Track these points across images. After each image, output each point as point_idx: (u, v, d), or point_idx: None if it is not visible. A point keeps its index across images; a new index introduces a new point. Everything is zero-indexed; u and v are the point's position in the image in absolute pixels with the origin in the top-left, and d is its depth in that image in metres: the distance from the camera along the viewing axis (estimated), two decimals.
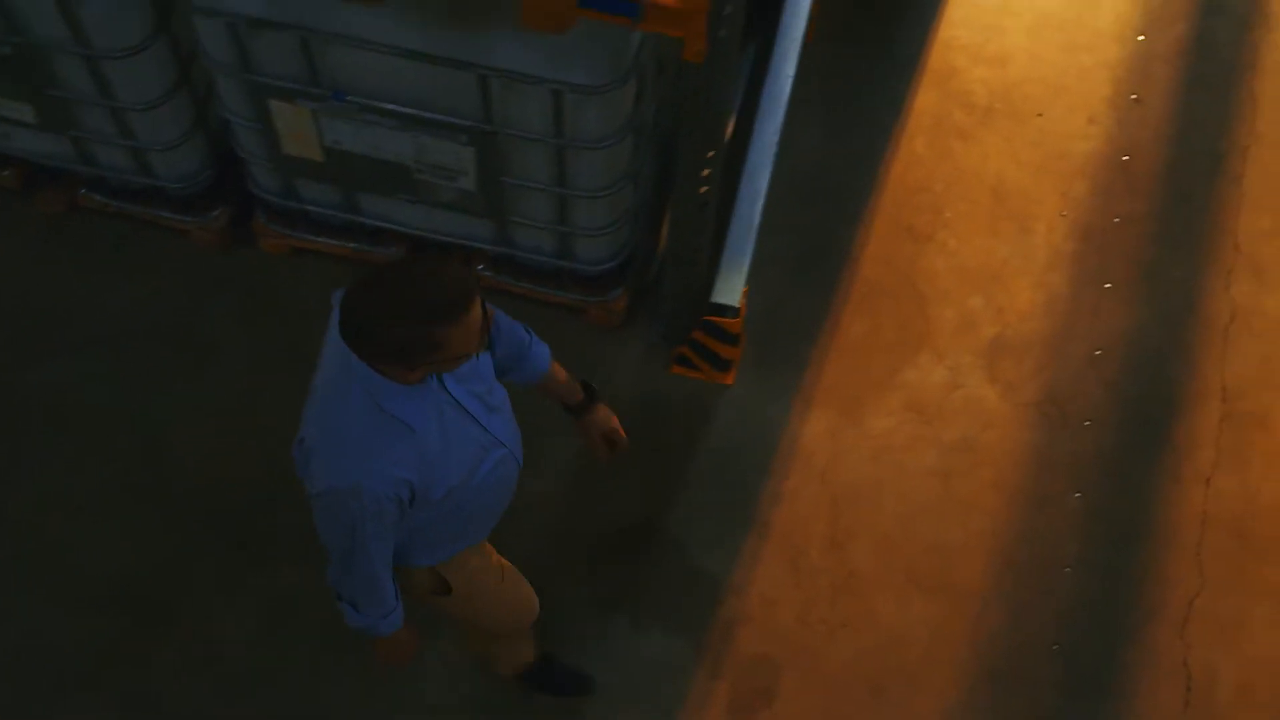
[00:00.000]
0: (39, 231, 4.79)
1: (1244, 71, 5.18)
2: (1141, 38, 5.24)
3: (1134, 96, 5.13)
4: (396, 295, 2.67)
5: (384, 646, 3.27)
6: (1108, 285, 4.81)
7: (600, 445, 3.51)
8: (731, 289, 4.34)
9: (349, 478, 2.85)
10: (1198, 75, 5.16)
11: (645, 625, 4.30)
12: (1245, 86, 5.14)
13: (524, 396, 3.30)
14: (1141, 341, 4.73)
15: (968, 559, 4.42)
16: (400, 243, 4.59)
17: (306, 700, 4.20)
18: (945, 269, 4.81)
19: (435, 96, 3.77)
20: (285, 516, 4.37)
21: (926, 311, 4.75)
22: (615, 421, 3.50)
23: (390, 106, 3.82)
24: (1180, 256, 4.86)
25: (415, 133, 3.88)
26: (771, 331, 4.69)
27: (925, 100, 5.09)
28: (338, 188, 4.35)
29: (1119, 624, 4.36)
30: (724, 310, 4.35)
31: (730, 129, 4.35)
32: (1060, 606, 4.37)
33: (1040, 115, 5.09)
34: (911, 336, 4.71)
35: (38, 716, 4.17)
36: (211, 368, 4.62)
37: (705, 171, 3.80)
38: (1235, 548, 4.45)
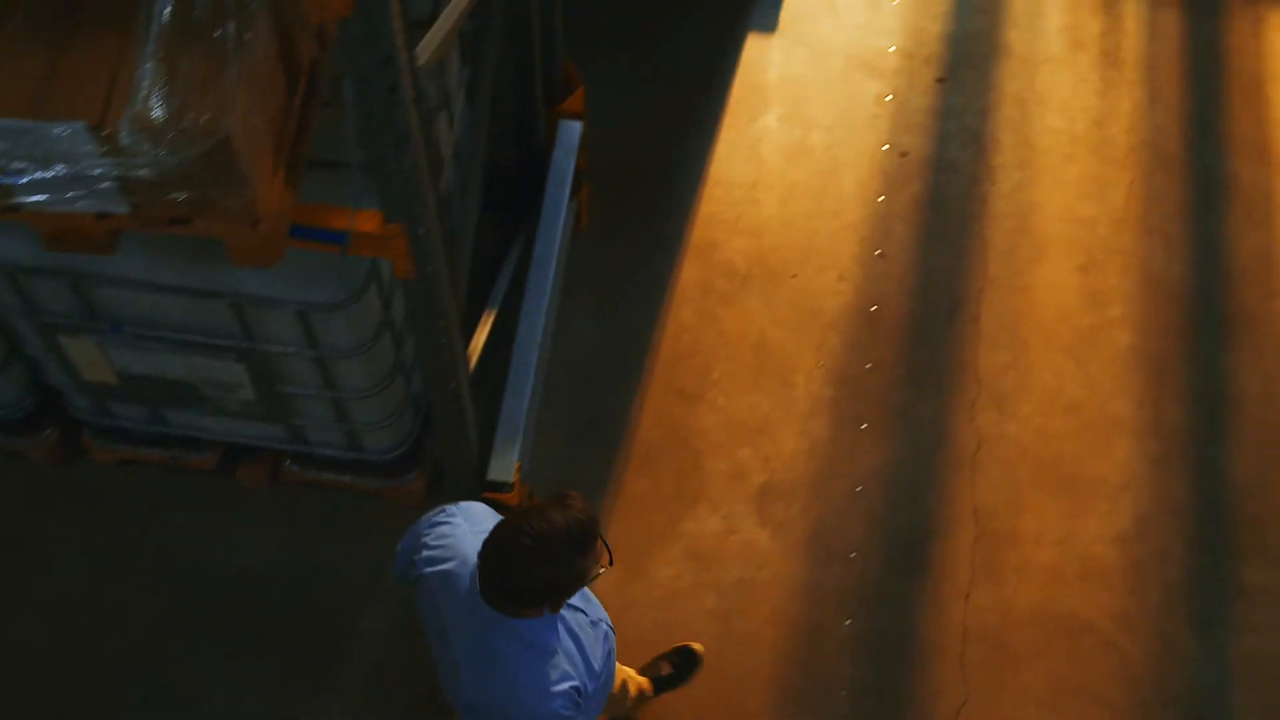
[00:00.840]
0: None
1: (974, 222, 5.59)
2: (881, 199, 5.65)
3: (878, 252, 5.53)
4: (539, 544, 2.97)
5: None
6: (864, 426, 5.17)
7: None
8: (505, 466, 4.59)
9: (533, 715, 3.21)
10: (933, 229, 5.56)
11: None
12: (976, 235, 5.55)
13: None
14: (898, 475, 5.08)
15: (751, 690, 4.72)
16: (212, 449, 4.93)
17: None
18: (715, 425, 5.17)
19: (200, 321, 4.08)
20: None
21: (701, 466, 5.10)
22: None
23: (162, 334, 4.12)
24: (928, 394, 5.23)
25: (189, 355, 4.19)
26: None
27: (690, 272, 5.48)
28: (141, 405, 4.67)
29: None
30: (499, 486, 4.59)
31: (491, 320, 4.74)
32: None
33: (795, 276, 5.47)
34: (688, 490, 5.06)
35: None
36: (50, 576, 4.88)
37: (452, 371, 4.10)
38: (995, 657, 4.77)
